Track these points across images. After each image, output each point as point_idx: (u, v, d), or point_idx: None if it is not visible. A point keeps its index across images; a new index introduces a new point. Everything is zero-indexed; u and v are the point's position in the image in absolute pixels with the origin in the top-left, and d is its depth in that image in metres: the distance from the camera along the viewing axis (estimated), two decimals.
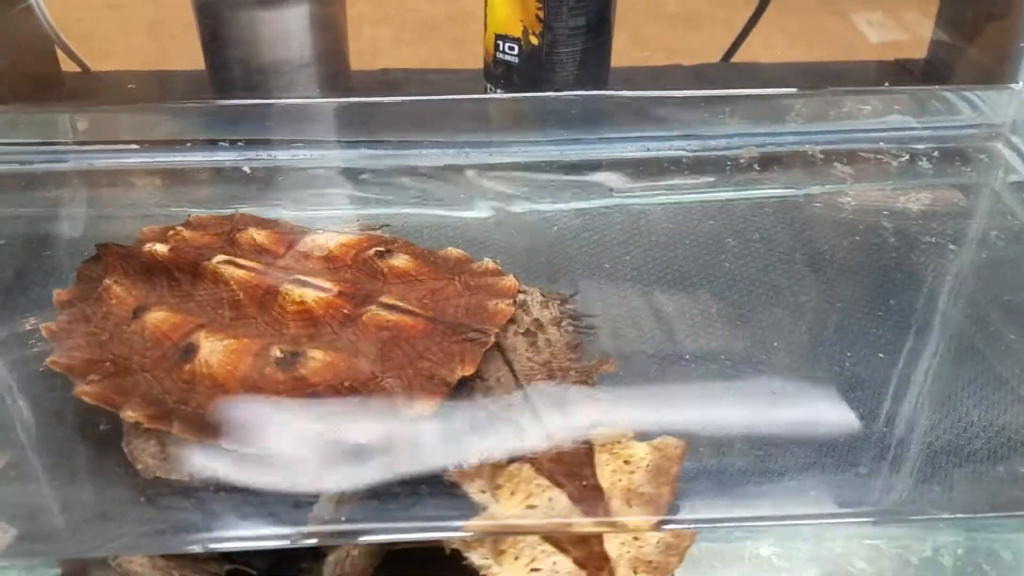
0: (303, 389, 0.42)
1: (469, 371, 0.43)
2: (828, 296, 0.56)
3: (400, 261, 0.49)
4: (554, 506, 0.40)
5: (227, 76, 0.76)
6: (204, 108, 0.72)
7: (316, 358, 0.42)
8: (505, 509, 0.40)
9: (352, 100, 0.74)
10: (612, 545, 0.39)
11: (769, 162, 0.69)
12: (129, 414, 0.42)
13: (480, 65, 0.76)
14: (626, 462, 0.41)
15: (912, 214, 0.64)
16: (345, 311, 0.45)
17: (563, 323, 0.49)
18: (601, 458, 0.41)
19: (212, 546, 0.40)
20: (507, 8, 0.71)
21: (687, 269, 0.58)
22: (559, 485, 0.40)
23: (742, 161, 0.69)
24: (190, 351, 0.43)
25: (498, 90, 0.75)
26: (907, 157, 0.70)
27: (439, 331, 0.44)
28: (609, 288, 0.57)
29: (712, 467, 0.44)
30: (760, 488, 0.44)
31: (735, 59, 0.88)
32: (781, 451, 0.45)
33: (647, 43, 0.94)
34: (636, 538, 0.40)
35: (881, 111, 0.73)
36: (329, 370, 0.42)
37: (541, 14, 0.70)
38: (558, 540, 0.40)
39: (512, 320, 0.47)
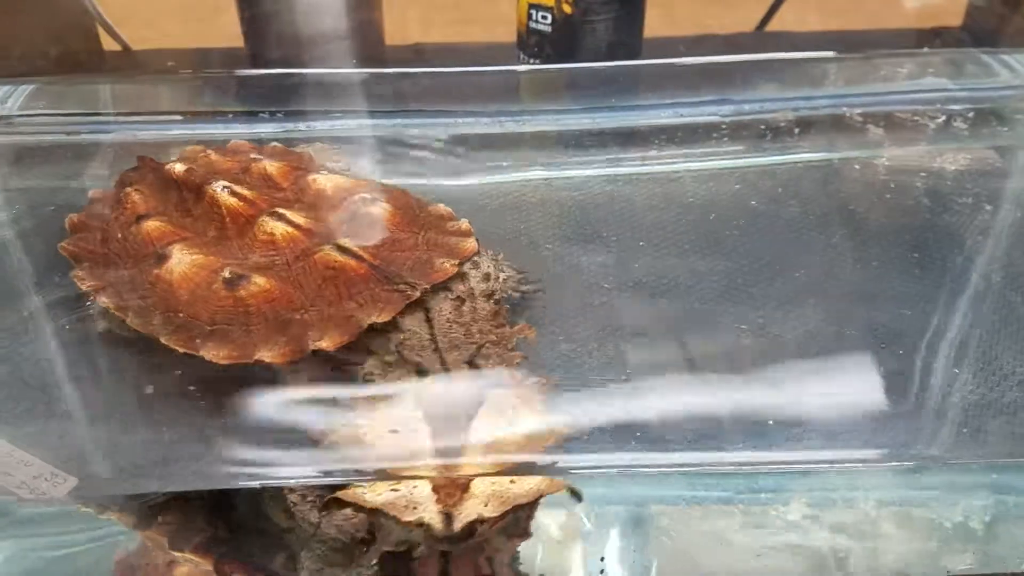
0: (238, 307, 0.46)
1: (384, 318, 0.46)
2: (865, 255, 0.56)
3: (379, 209, 0.52)
4: (416, 432, 0.42)
5: (265, 51, 0.77)
6: (244, 78, 0.74)
7: (257, 283, 0.47)
8: (372, 423, 0.42)
9: (389, 71, 0.76)
10: (480, 483, 0.40)
11: (805, 126, 0.69)
12: (103, 300, 0.49)
13: (510, 40, 0.77)
14: (509, 424, 0.42)
15: (948, 175, 0.64)
16: (303, 246, 0.49)
17: (495, 296, 0.50)
18: (484, 410, 0.42)
19: (265, 482, 0.42)
20: None
21: (721, 232, 0.59)
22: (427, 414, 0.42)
23: (782, 124, 0.69)
24: (163, 258, 0.49)
25: (532, 60, 0.76)
26: (943, 119, 0.69)
27: (376, 278, 0.47)
28: (644, 251, 0.57)
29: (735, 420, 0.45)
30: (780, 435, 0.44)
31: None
32: (805, 402, 0.46)
33: (678, 19, 0.94)
34: (512, 481, 0.41)
35: (917, 74, 0.73)
36: (264, 295, 0.46)
37: None
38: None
39: (457, 277, 0.49)
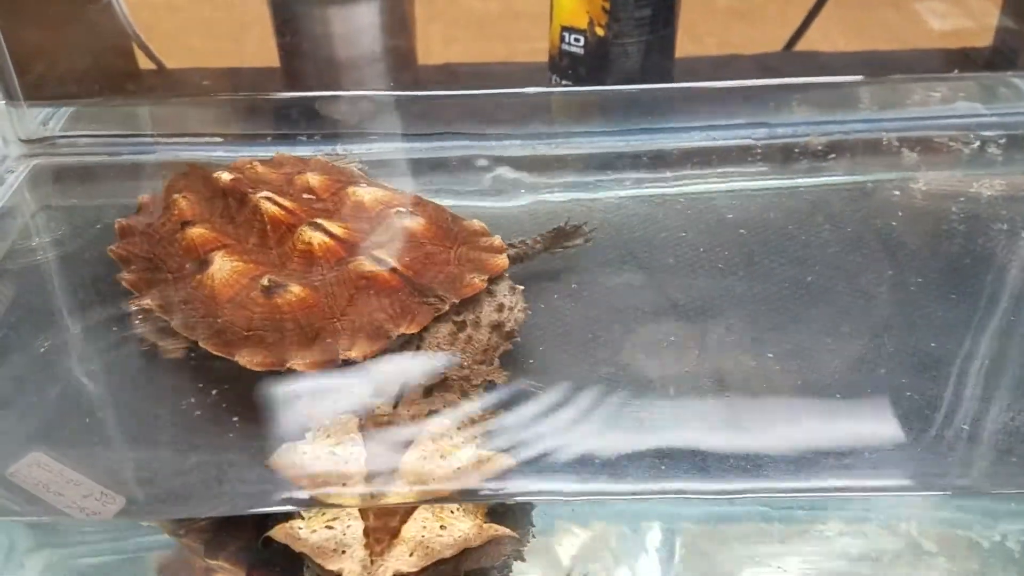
0: (273, 314, 0.47)
1: (413, 330, 0.47)
2: (900, 279, 0.57)
3: (414, 222, 0.53)
4: (350, 456, 0.42)
5: (302, 73, 0.78)
6: (283, 100, 0.75)
7: (293, 292, 0.48)
8: (313, 447, 0.43)
9: (424, 94, 0.77)
10: (412, 526, 0.40)
11: (840, 149, 0.70)
12: (147, 302, 0.51)
13: (534, 59, 0.78)
14: (441, 457, 0.42)
15: (983, 200, 0.64)
16: (340, 257, 0.50)
17: (505, 328, 0.50)
18: (422, 439, 0.43)
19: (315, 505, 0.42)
20: (573, 0, 0.72)
21: (754, 254, 0.59)
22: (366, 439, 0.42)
23: (819, 148, 0.70)
24: (205, 264, 0.50)
25: (564, 82, 0.76)
26: (977, 144, 0.70)
27: (407, 290, 0.48)
28: (677, 272, 0.58)
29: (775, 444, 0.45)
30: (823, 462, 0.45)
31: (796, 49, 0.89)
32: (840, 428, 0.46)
33: (704, 38, 0.94)
34: (443, 527, 0.41)
35: (949, 98, 0.73)
36: (300, 303, 0.48)
37: (607, 5, 0.71)
38: (366, 509, 0.41)
39: (473, 299, 0.50)
